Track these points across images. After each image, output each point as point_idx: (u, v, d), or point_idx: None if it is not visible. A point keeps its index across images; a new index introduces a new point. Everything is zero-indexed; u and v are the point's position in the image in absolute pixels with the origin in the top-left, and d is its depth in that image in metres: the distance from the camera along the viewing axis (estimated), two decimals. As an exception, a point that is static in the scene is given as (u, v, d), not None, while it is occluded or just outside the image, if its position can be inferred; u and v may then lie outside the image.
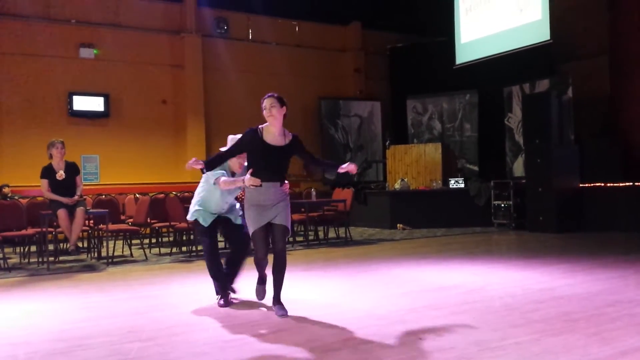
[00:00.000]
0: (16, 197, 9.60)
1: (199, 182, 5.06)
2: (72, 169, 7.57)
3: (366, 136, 15.93)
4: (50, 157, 7.47)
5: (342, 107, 15.73)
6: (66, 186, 7.40)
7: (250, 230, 4.44)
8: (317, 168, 4.57)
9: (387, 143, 13.41)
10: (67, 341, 3.86)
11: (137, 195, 10.21)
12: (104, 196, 9.50)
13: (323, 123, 15.46)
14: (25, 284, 6.36)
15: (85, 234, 8.87)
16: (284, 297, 4.53)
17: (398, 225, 11.71)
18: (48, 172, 7.38)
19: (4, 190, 10.88)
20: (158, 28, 13.87)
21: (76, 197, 7.41)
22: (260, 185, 4.28)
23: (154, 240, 9.51)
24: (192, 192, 11.52)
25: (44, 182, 7.33)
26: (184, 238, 9.18)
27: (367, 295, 5.22)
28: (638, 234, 9.25)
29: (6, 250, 8.88)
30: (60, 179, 7.36)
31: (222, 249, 5.62)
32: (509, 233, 10.52)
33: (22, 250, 8.52)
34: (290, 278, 6.14)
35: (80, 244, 9.15)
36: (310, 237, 9.86)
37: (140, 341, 3.80)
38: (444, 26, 14.54)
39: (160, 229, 9.41)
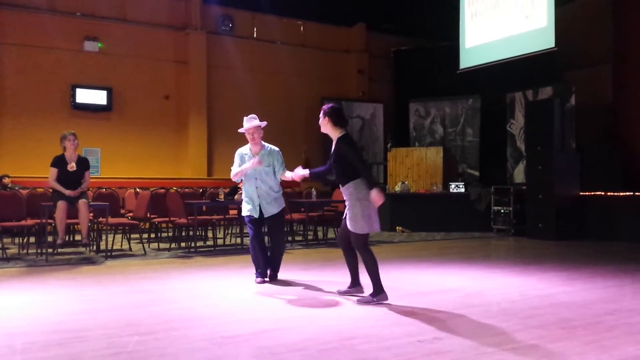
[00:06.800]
0: (16, 188, 9.58)
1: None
2: (83, 164, 7.61)
3: (368, 138, 15.93)
4: (64, 149, 7.50)
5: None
6: (75, 179, 7.43)
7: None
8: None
9: (388, 145, 13.40)
10: (64, 333, 3.86)
11: (138, 190, 10.20)
12: (104, 189, 9.50)
13: (325, 123, 15.42)
14: (24, 274, 6.36)
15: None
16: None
17: (397, 227, 11.70)
18: (59, 162, 7.40)
19: (4, 180, 10.85)
20: (163, 23, 13.89)
21: (79, 190, 7.41)
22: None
23: (153, 235, 9.50)
24: (193, 188, 11.51)
25: (53, 171, 7.34)
26: (183, 234, 9.17)
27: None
28: (637, 244, 9.25)
29: (5, 240, 8.87)
30: (71, 170, 7.39)
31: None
32: (508, 239, 10.52)
33: (21, 241, 8.52)
34: (289, 277, 6.16)
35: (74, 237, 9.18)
36: (310, 237, 9.86)
37: (138, 335, 3.80)
38: (448, 30, 14.53)
39: (160, 224, 9.40)
